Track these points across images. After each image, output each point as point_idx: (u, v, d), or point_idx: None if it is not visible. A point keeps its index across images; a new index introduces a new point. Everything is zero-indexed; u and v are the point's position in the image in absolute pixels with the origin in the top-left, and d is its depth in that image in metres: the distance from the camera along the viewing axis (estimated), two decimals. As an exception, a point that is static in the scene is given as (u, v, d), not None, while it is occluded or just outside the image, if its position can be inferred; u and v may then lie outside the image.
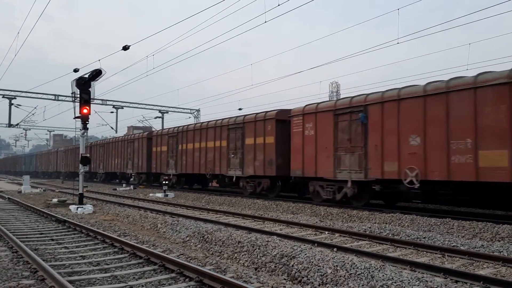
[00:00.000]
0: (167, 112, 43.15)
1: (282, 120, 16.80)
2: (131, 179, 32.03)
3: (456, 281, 5.65)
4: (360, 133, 13.31)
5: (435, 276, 5.79)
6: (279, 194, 17.75)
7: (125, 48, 17.34)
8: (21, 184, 27.84)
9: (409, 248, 7.88)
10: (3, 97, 34.55)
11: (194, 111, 43.81)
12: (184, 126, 23.85)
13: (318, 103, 15.32)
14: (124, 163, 30.41)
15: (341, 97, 14.25)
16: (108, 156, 33.72)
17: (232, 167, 18.93)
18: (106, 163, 34.17)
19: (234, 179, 18.92)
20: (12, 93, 34.92)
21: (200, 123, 22.25)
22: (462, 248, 7.68)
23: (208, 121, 21.64)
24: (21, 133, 62.53)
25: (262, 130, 17.40)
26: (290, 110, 16.56)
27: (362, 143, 13.19)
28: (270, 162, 16.82)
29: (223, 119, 20.33)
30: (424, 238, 8.59)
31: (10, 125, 37.99)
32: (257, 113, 18.07)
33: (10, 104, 35.32)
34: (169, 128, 25.62)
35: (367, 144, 13.04)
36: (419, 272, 6.04)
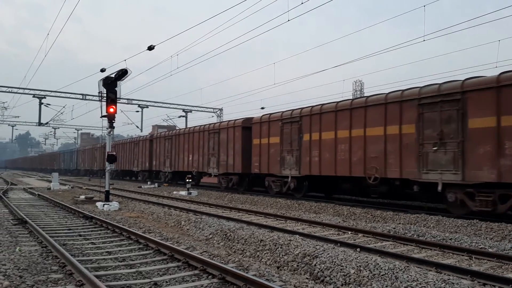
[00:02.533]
0: (190, 111, 43.66)
1: None
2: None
3: (484, 284, 5.51)
4: None
5: (462, 278, 5.66)
6: None
7: (150, 48, 17.65)
8: (50, 181, 28.69)
9: (435, 250, 7.72)
10: (33, 96, 35.74)
11: (217, 110, 44.14)
12: (313, 106, 16.38)
13: None
14: (204, 160, 23.43)
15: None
16: (179, 151, 26.65)
17: (433, 166, 11.64)
18: (175, 159, 27.12)
19: (439, 187, 11.37)
20: (42, 93, 36.06)
21: (349, 99, 15.27)
22: (490, 250, 7.48)
23: (367, 97, 14.51)
24: (50, 132, 64.54)
25: None
26: None
27: None
28: None
29: (403, 91, 12.94)
30: (451, 239, 8.40)
31: (40, 123, 39.16)
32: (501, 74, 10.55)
33: (40, 104, 36.47)
34: (283, 111, 17.98)
35: None
36: (445, 274, 5.91)
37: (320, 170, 15.51)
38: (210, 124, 24.47)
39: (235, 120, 21.66)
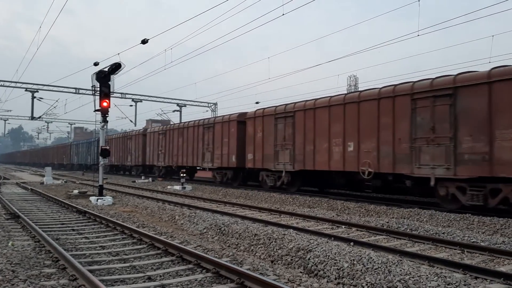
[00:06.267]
0: (184, 105, 43.51)
1: None
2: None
3: (476, 277, 5.56)
4: None
5: (454, 272, 5.71)
6: None
7: (144, 41, 17.51)
8: (43, 176, 28.51)
9: (428, 244, 7.78)
10: (26, 90, 35.42)
11: (211, 104, 44.03)
12: None
13: None
14: (398, 150, 12.48)
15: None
16: (314, 137, 15.65)
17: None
18: (304, 152, 16.07)
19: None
20: (35, 87, 35.74)
21: None
22: (482, 244, 7.55)
23: None
24: (43, 126, 64.10)
25: None
26: None
27: None
28: None
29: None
30: (443, 233, 8.46)
31: (32, 117, 38.85)
32: None
33: (33, 97, 36.15)
34: None
35: None
36: (437, 267, 5.96)
37: None
38: (403, 83, 12.77)
39: (477, 73, 10.80)
